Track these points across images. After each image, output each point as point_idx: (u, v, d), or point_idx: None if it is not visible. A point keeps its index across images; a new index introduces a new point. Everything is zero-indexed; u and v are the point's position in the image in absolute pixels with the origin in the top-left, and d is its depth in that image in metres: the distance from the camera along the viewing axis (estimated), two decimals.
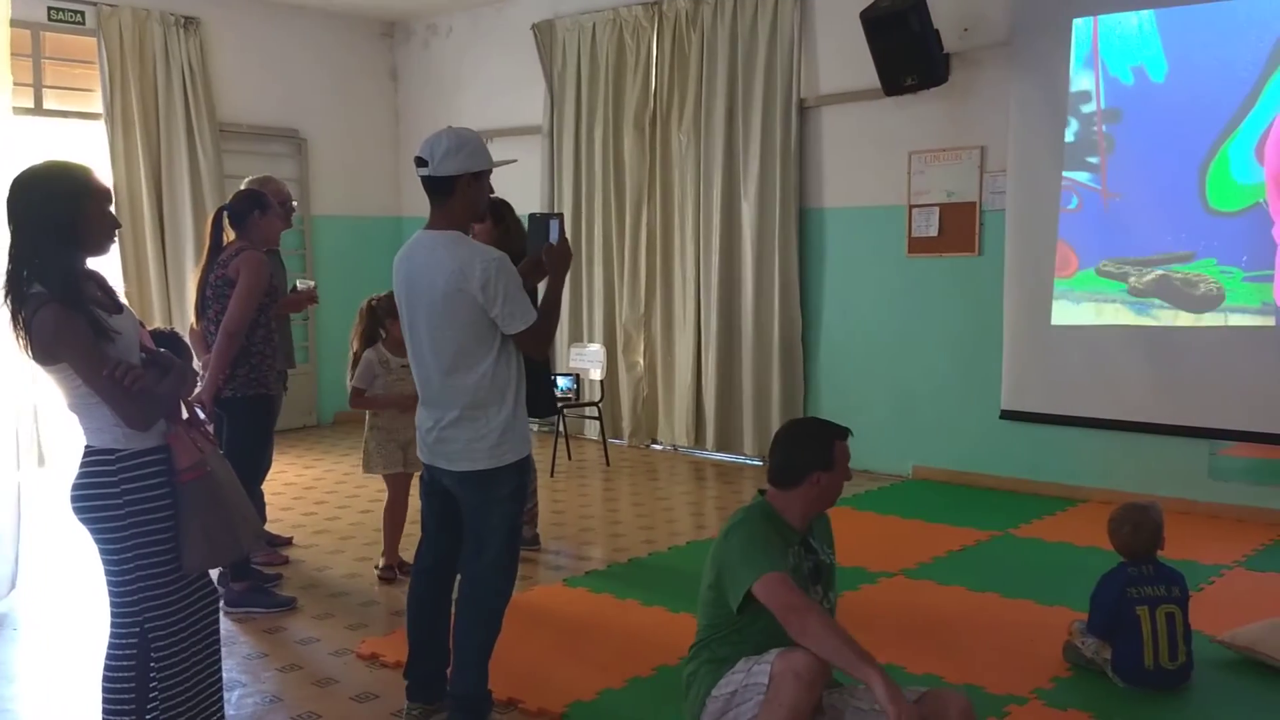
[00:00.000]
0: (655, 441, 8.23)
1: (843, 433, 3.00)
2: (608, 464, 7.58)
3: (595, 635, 4.29)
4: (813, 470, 2.92)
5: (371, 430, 5.06)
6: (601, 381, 7.88)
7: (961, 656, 3.98)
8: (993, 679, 3.76)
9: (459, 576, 3.44)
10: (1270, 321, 5.73)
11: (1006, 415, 6.62)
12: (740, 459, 7.67)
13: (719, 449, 7.78)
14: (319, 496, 6.77)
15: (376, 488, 6.91)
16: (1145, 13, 6.04)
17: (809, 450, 2.95)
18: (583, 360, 7.83)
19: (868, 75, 6.70)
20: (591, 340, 8.26)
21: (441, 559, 3.51)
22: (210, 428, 4.48)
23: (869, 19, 6.41)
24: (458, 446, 3.26)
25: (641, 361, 8.19)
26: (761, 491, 3.06)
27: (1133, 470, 6.15)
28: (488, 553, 3.31)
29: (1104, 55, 6.22)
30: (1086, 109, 6.29)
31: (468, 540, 3.36)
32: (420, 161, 3.24)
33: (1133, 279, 6.17)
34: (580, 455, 7.92)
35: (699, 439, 7.89)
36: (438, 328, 3.22)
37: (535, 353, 3.28)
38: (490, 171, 3.30)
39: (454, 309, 3.17)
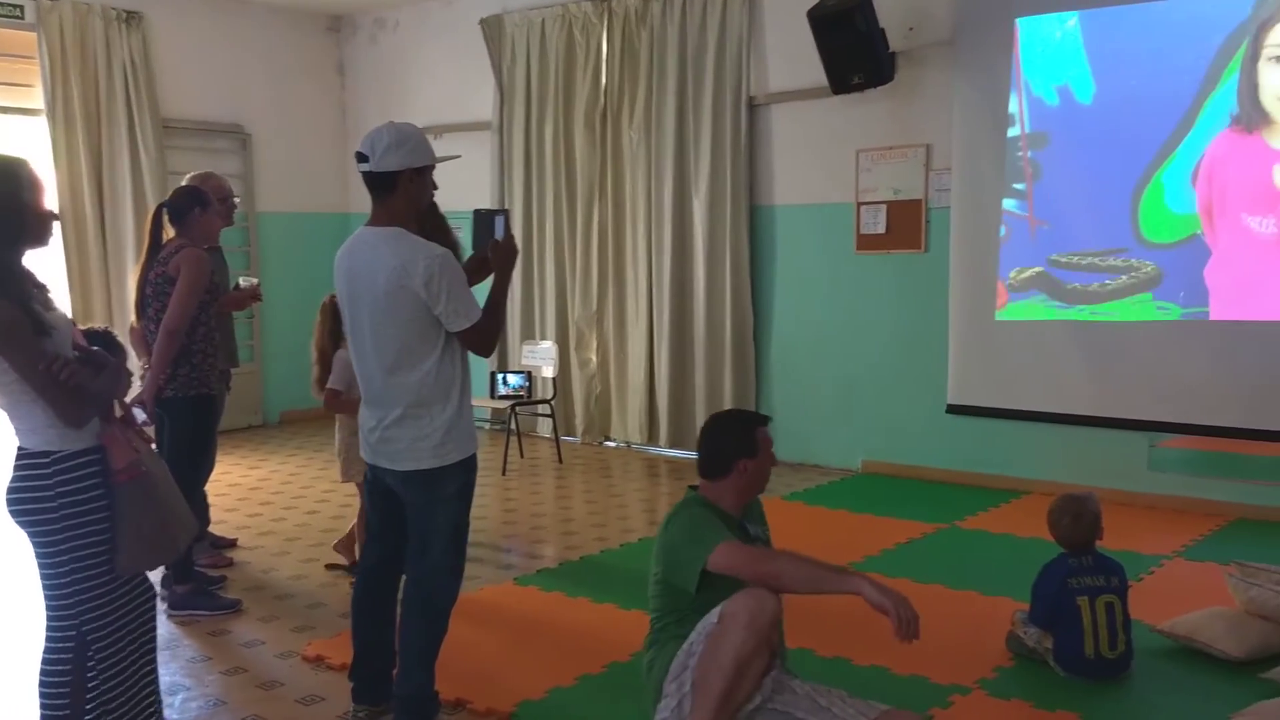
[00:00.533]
0: (608, 438, 8.23)
1: (763, 420, 3.16)
2: (560, 461, 7.57)
3: (546, 633, 4.28)
4: (739, 458, 3.06)
5: (349, 436, 4.97)
6: (554, 379, 7.86)
7: (907, 648, 3.97)
8: (938, 669, 3.80)
9: (404, 577, 3.41)
10: (1206, 315, 5.85)
11: (953, 409, 6.70)
12: (694, 455, 7.65)
13: (672, 445, 7.80)
14: (264, 497, 6.68)
15: (323, 489, 6.87)
16: (1071, 27, 6.12)
17: (733, 440, 3.09)
18: (535, 358, 7.81)
19: (816, 74, 6.75)
20: (544, 338, 8.23)
21: (386, 559, 3.48)
22: (151, 428, 4.44)
23: (816, 18, 6.45)
24: (401, 446, 3.23)
25: (594, 359, 8.18)
26: (693, 487, 3.14)
27: (1075, 462, 6.25)
28: (433, 552, 3.29)
29: (1027, 75, 6.28)
30: (1011, 133, 6.36)
31: (412, 540, 3.33)
32: (361, 157, 3.20)
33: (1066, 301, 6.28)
34: (533, 453, 7.90)
35: (652, 435, 7.90)
36: (380, 325, 3.19)
37: (481, 350, 3.26)
38: (433, 167, 3.27)
39: (397, 306, 3.14)
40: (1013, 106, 6.34)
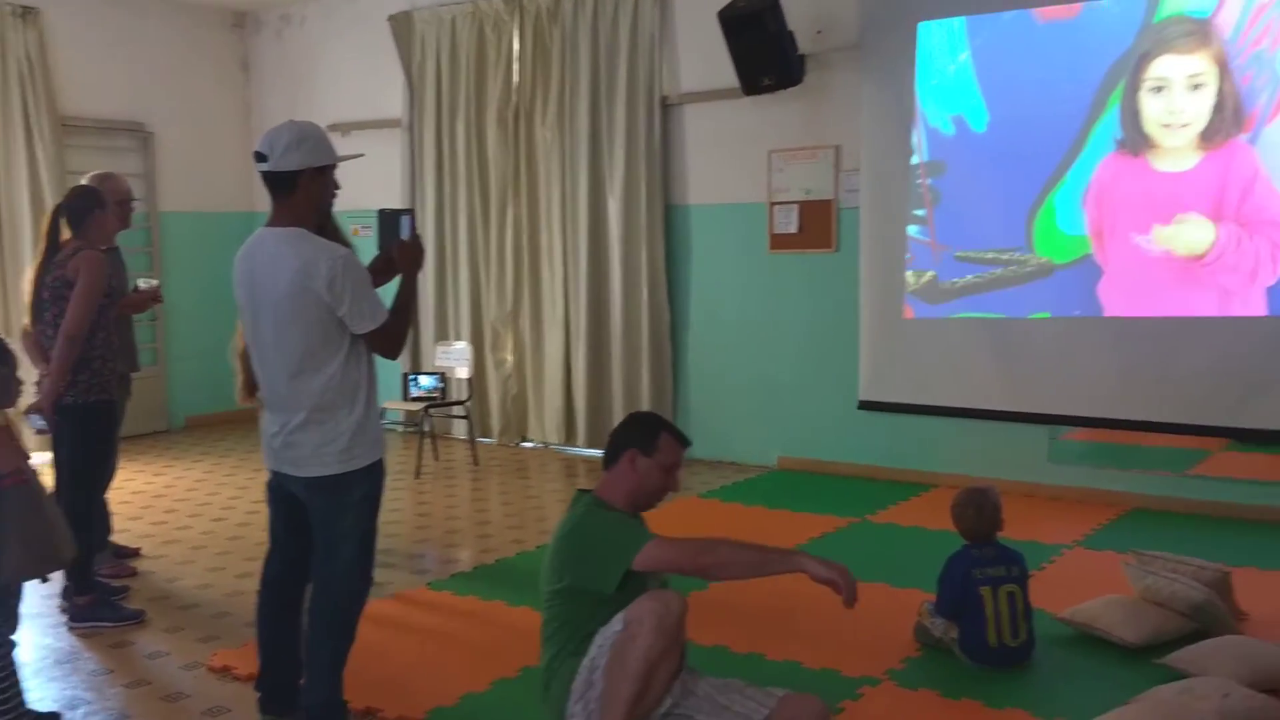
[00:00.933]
0: (526, 439, 8.19)
1: (675, 431, 3.03)
2: (476, 464, 7.50)
3: (459, 639, 4.24)
4: (629, 448, 2.96)
5: None
6: (469, 380, 7.79)
7: (819, 642, 4.08)
8: (848, 662, 3.86)
9: (310, 585, 3.35)
10: (1119, 312, 6.02)
11: (864, 405, 6.81)
12: None
13: (590, 445, 7.78)
14: (169, 505, 6.51)
15: (229, 495, 6.71)
16: (964, 60, 6.27)
17: (633, 432, 3.02)
18: (449, 359, 7.72)
19: (727, 74, 6.80)
20: (458, 338, 8.16)
21: (291, 566, 3.41)
22: (50, 435, 4.30)
23: (726, 19, 6.50)
24: (305, 451, 3.17)
25: (510, 359, 8.13)
26: (582, 491, 3.06)
27: (981, 456, 6.40)
28: (339, 559, 3.23)
29: (924, 107, 6.43)
30: (912, 161, 6.50)
31: (318, 547, 3.27)
32: (260, 156, 3.13)
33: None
34: (448, 456, 7.82)
35: (570, 435, 7.88)
36: (282, 328, 3.12)
37: (387, 353, 3.21)
38: (335, 166, 3.21)
39: (299, 309, 3.07)
40: (912, 137, 6.48)
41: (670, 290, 7.47)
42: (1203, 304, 5.75)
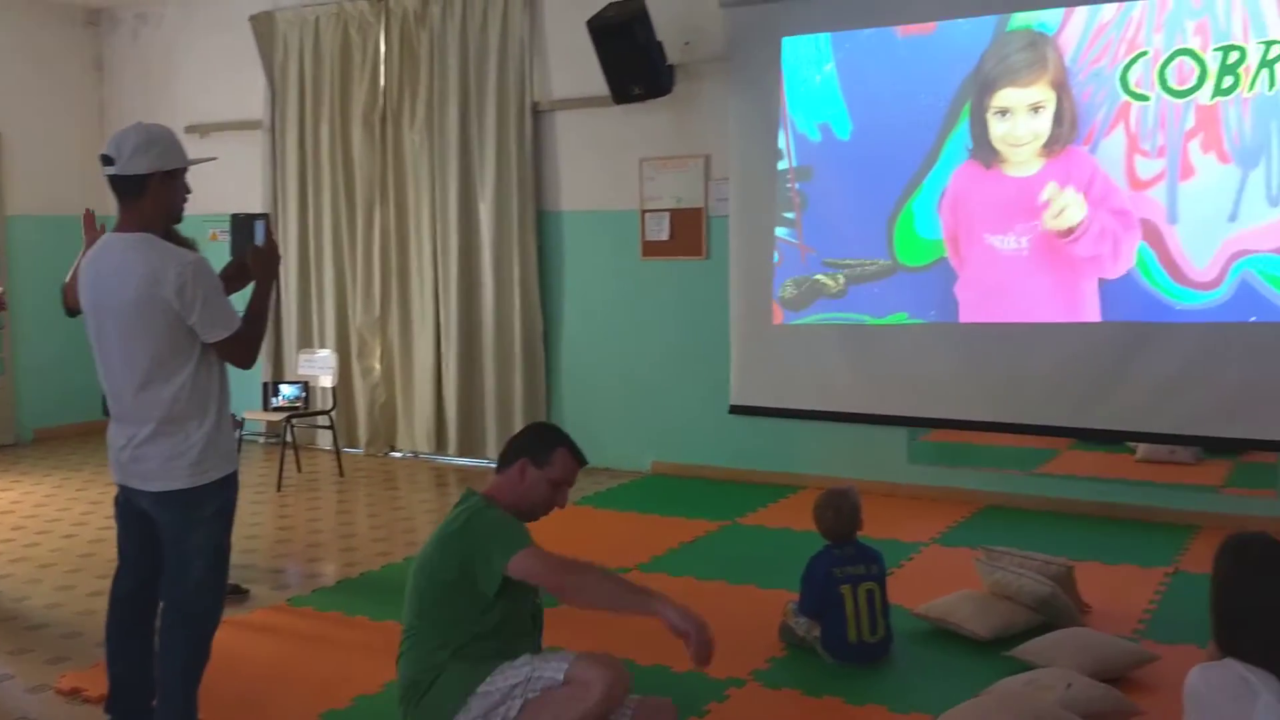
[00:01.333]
0: (394, 449, 8.05)
1: (574, 449, 3.00)
2: (342, 475, 7.33)
3: (320, 655, 4.14)
4: (523, 456, 2.95)
5: None
6: (333, 389, 7.62)
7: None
8: (715, 664, 3.80)
9: (161, 603, 3.23)
10: (955, 319, 6.27)
11: (735, 410, 6.92)
12: (484, 463, 7.62)
13: (462, 454, 7.70)
14: (16, 521, 6.18)
15: (80, 510, 6.41)
16: (829, 71, 6.46)
17: (530, 441, 3.00)
18: (312, 367, 7.52)
19: (598, 82, 6.83)
20: (322, 346, 7.97)
21: (142, 584, 3.28)
22: None
23: (595, 28, 6.54)
24: (154, 465, 3.05)
25: (378, 366, 7.99)
26: (471, 490, 3.02)
27: (845, 457, 6.57)
28: (191, 576, 3.13)
29: (792, 114, 6.60)
30: (781, 165, 6.66)
31: (169, 564, 3.16)
32: (107, 159, 3.02)
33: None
34: (311, 467, 7.62)
35: (441, 444, 7.79)
36: (129, 337, 3.00)
37: (240, 362, 3.12)
38: (185, 170, 3.11)
39: (147, 317, 2.97)
40: (780, 142, 6.62)
41: (543, 297, 7.46)
42: (1051, 306, 6.02)
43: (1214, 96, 5.53)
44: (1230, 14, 5.48)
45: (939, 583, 4.56)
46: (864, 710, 3.58)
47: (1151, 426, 5.92)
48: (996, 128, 6.08)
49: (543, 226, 7.45)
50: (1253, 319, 5.54)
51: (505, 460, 2.98)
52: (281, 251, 7.86)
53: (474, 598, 2.82)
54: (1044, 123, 5.96)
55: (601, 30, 6.52)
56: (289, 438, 7.27)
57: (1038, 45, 5.95)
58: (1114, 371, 5.84)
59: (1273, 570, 2.35)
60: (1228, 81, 5.50)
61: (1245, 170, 5.51)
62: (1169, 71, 5.62)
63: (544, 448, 2.96)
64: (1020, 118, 6.01)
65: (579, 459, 3.02)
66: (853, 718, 3.54)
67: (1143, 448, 6.85)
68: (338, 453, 7.52)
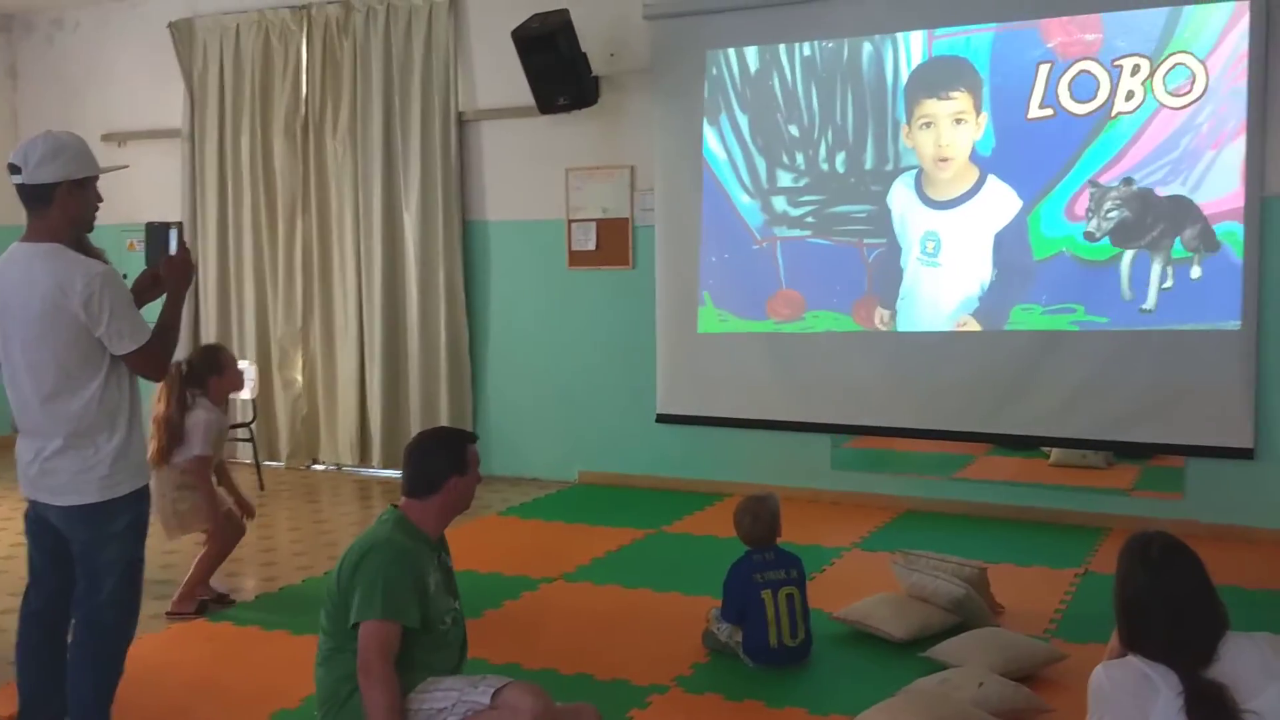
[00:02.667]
0: (317, 462, 7.94)
1: (471, 437, 3.10)
2: (262, 488, 7.20)
3: (239, 671, 4.08)
4: (449, 476, 2.96)
5: (181, 490, 4.67)
6: (253, 401, 7.50)
7: (611, 653, 4.15)
8: (638, 671, 3.94)
9: (73, 619, 3.17)
10: (891, 327, 6.38)
11: (661, 419, 6.97)
12: None
13: (387, 465, 7.63)
14: None
15: None
16: (755, 84, 6.57)
17: (443, 457, 3.00)
18: None
19: (524, 92, 6.84)
20: (241, 357, 7.82)
21: (53, 600, 3.22)
22: None
23: (520, 38, 6.55)
24: (63, 478, 3.00)
25: (300, 378, 7.88)
26: (396, 505, 3.03)
27: (769, 464, 6.64)
28: (102, 591, 3.07)
29: (717, 127, 6.69)
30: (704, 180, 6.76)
31: (80, 579, 3.10)
32: (14, 168, 2.97)
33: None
34: None
35: (365, 457, 7.71)
36: (35, 349, 2.95)
37: (150, 374, 3.08)
38: (95, 179, 3.06)
39: (53, 328, 2.92)
40: (703, 158, 6.70)
41: (469, 307, 7.43)
42: (967, 313, 6.18)
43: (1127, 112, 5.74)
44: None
45: (859, 586, 4.64)
46: (784, 713, 3.63)
47: (1063, 431, 6.10)
48: (923, 138, 6.21)
49: (468, 236, 7.43)
50: (1159, 326, 5.74)
51: (430, 486, 2.96)
52: (200, 262, 7.99)
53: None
54: (967, 135, 6.10)
55: (526, 41, 6.54)
56: None
57: (959, 62, 6.09)
58: (1027, 378, 6.01)
59: (1170, 567, 2.42)
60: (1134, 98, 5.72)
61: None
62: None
63: (459, 455, 3.01)
64: (944, 128, 6.14)
65: (474, 439, 3.10)
66: None
67: (1056, 452, 7.05)
68: (258, 466, 7.40)
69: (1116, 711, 2.38)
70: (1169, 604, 2.37)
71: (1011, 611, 4.49)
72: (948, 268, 6.21)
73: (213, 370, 4.71)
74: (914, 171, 6.26)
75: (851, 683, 3.85)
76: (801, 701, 3.70)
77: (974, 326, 6.16)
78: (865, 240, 6.40)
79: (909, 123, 6.24)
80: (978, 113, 6.07)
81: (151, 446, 4.53)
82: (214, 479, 4.79)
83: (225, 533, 4.81)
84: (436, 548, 3.02)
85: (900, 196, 6.30)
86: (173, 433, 4.58)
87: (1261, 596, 4.70)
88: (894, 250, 6.33)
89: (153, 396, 4.60)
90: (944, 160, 6.18)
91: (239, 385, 4.97)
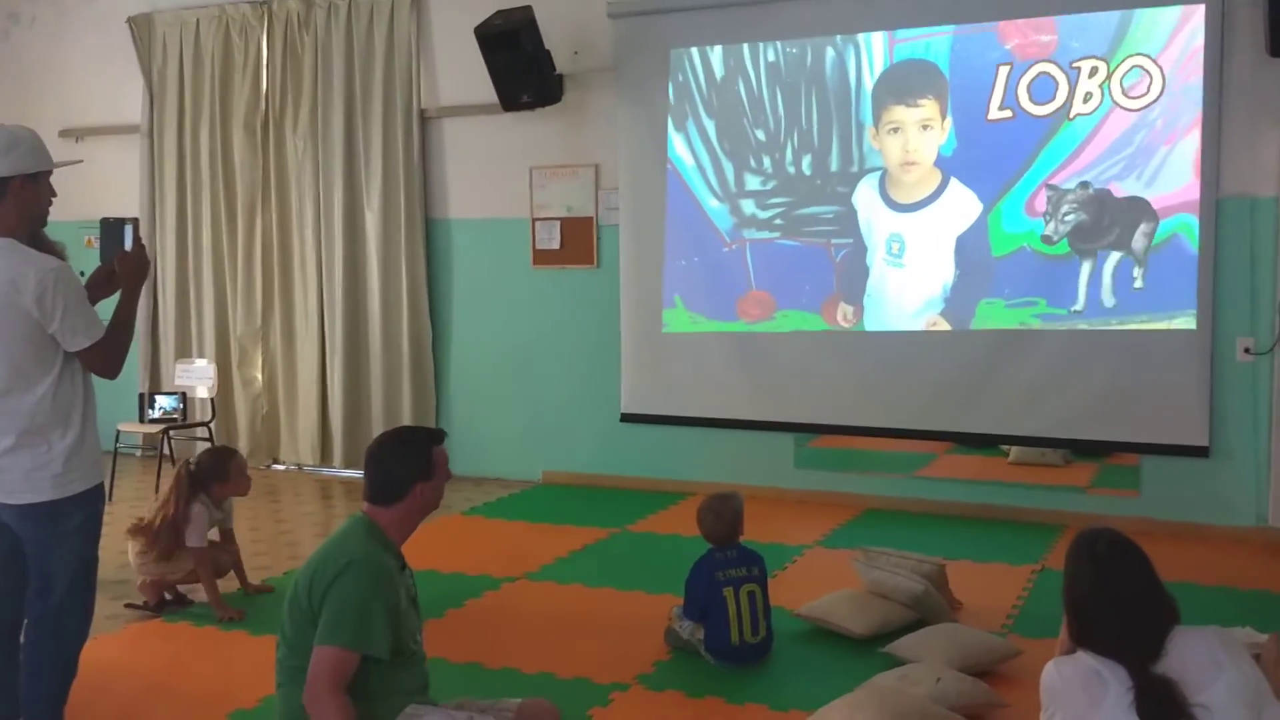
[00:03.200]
0: (277, 461, 7.87)
1: (438, 436, 2.93)
2: None
3: (197, 671, 4.03)
4: (415, 481, 2.81)
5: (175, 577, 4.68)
6: (212, 399, 7.42)
7: (574, 652, 4.14)
8: (600, 670, 3.94)
9: (26, 619, 3.12)
10: (846, 327, 6.44)
11: (626, 418, 6.97)
12: None
13: (348, 465, 7.57)
14: None
15: None
16: (719, 84, 6.58)
17: (408, 462, 2.83)
18: (189, 377, 7.31)
19: (487, 90, 6.81)
20: (200, 355, 7.76)
21: (4, 598, 3.16)
22: None
23: (483, 35, 6.53)
24: (16, 477, 2.96)
25: (260, 377, 7.81)
26: (362, 512, 2.89)
27: (733, 463, 6.66)
28: (56, 591, 3.03)
29: (681, 126, 6.71)
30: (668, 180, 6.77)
31: (34, 579, 3.06)
32: None
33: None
34: None
35: (326, 456, 7.65)
36: None
37: (104, 371, 3.04)
38: (50, 173, 3.02)
39: (6, 324, 2.88)
40: (668, 157, 6.70)
41: (432, 305, 7.40)
42: (928, 314, 6.23)
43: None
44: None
45: (821, 584, 4.66)
46: (744, 709, 3.64)
47: (1022, 430, 6.18)
48: (890, 143, 6.26)
49: (431, 234, 7.40)
50: (1115, 326, 5.82)
51: (395, 493, 2.80)
52: (159, 259, 7.89)
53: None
54: (932, 140, 6.16)
55: (489, 38, 6.52)
56: (167, 450, 7.05)
57: (926, 65, 6.14)
58: (988, 377, 6.07)
59: (1116, 563, 2.44)
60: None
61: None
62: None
63: (424, 459, 2.84)
64: (911, 133, 6.19)
65: (442, 438, 2.94)
66: (733, 717, 3.61)
67: (1015, 451, 7.14)
68: None
69: (1068, 707, 2.40)
70: (1116, 600, 2.39)
71: (969, 607, 4.53)
72: (912, 268, 6.26)
73: (219, 477, 4.66)
74: (878, 173, 6.31)
75: (811, 679, 3.87)
76: (762, 698, 3.71)
77: (940, 324, 6.21)
78: (833, 240, 6.44)
79: (876, 126, 6.29)
80: (943, 118, 6.14)
81: (139, 546, 4.53)
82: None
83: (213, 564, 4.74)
84: (401, 558, 2.86)
85: (865, 198, 6.35)
86: (176, 536, 4.52)
87: (1216, 593, 4.77)
88: (860, 250, 6.37)
89: (155, 500, 4.64)
90: (910, 164, 6.23)
91: (244, 491, 4.83)
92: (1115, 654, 2.36)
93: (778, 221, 6.57)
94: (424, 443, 2.89)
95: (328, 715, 2.58)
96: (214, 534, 4.77)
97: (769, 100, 6.52)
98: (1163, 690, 2.29)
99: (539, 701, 2.97)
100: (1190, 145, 5.61)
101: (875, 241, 6.34)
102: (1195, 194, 5.61)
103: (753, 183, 6.62)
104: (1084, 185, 5.83)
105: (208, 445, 7.42)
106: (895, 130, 6.24)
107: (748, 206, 6.64)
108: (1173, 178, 5.66)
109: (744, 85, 6.59)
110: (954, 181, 6.13)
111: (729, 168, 6.66)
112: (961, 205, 6.11)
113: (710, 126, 6.68)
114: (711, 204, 6.72)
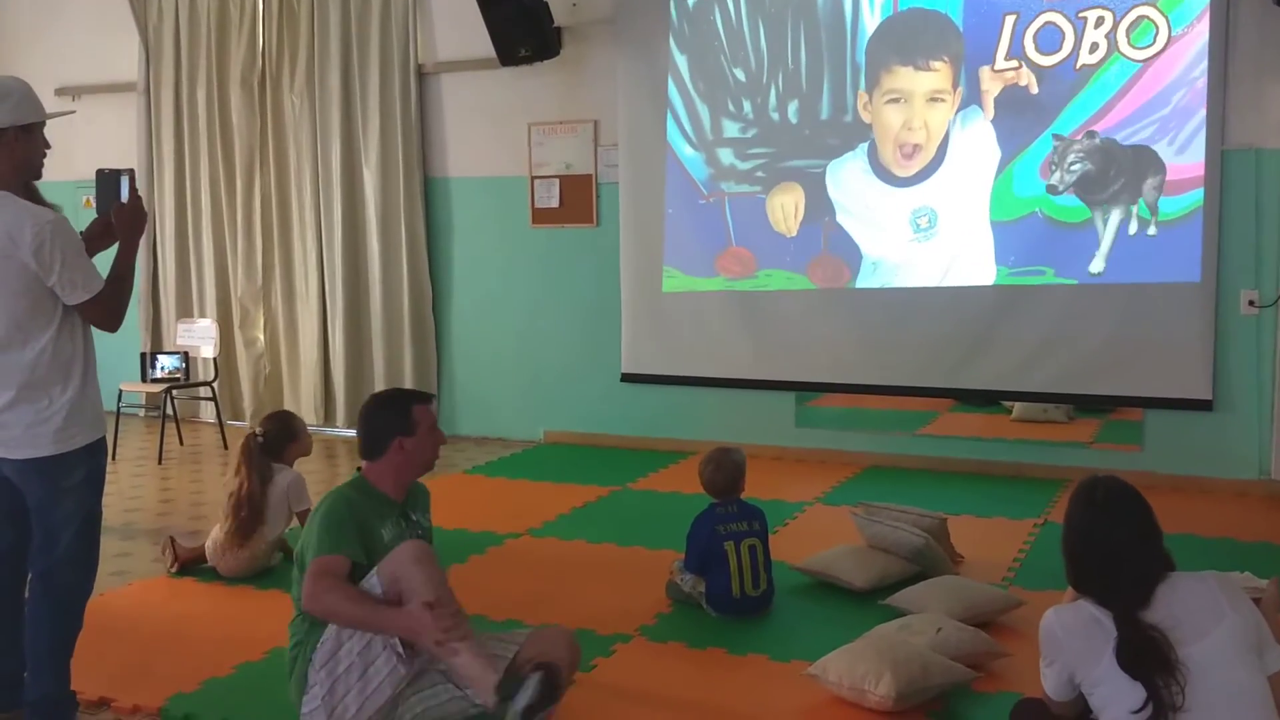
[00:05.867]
0: None
1: (422, 397, 3.12)
2: (226, 447, 7.13)
3: (202, 625, 4.05)
4: (394, 436, 2.99)
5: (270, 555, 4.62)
6: (215, 359, 7.41)
7: (577, 605, 4.16)
8: (603, 621, 3.95)
9: (30, 574, 3.13)
10: (854, 285, 6.37)
11: (626, 378, 6.96)
12: None
13: (351, 425, 7.56)
14: None
15: None
16: (722, 35, 6.45)
17: (387, 418, 3.03)
18: (192, 337, 7.32)
19: (484, 44, 6.74)
20: (202, 315, 7.75)
21: (9, 554, 3.16)
22: None
23: None
24: (16, 432, 2.94)
25: (262, 337, 7.80)
26: (360, 468, 3.09)
27: (734, 422, 6.65)
28: (59, 545, 3.03)
29: (681, 82, 6.59)
30: (668, 136, 6.65)
31: (36, 533, 3.06)
32: None
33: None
34: (194, 440, 7.43)
35: (329, 416, 7.66)
36: None
37: (105, 324, 3.02)
38: (43, 125, 2.99)
39: (2, 278, 2.85)
40: (667, 113, 6.60)
41: (431, 264, 7.37)
42: (930, 270, 6.18)
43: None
44: None
45: (821, 539, 4.67)
46: (746, 659, 3.67)
47: (1025, 386, 6.16)
48: (889, 116, 6.10)
49: (430, 192, 7.36)
50: (1119, 281, 5.78)
51: (377, 448, 3.01)
52: (158, 218, 7.86)
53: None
54: (941, 116, 5.99)
55: None
56: (169, 409, 7.06)
57: (936, 18, 5.96)
58: (990, 334, 6.05)
59: (1111, 510, 2.45)
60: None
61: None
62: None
63: (403, 416, 3.02)
64: (917, 107, 6.02)
65: (428, 399, 3.13)
66: (735, 667, 3.63)
67: (1018, 407, 7.13)
68: (221, 425, 7.34)
69: (1068, 655, 2.42)
70: (1104, 546, 2.40)
71: (971, 561, 4.55)
72: (911, 234, 6.18)
73: (290, 438, 4.66)
74: (866, 146, 6.16)
75: (812, 630, 3.89)
76: (763, 648, 3.73)
77: (943, 281, 6.15)
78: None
79: (869, 92, 6.10)
80: (955, 87, 5.94)
81: (227, 527, 4.43)
82: None
83: None
84: (400, 506, 3.05)
85: (854, 172, 6.21)
86: (255, 509, 4.44)
87: (1218, 544, 4.78)
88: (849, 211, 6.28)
89: (226, 474, 4.57)
90: (912, 146, 6.01)
91: (310, 449, 4.84)
92: (1102, 600, 2.37)
93: (759, 174, 6.44)
94: (405, 402, 3.09)
95: (328, 599, 2.78)
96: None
97: (750, 34, 6.32)
98: (1145, 641, 2.29)
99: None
100: (1198, 102, 5.53)
101: (869, 212, 6.23)
102: (1201, 152, 5.54)
103: (731, 129, 6.47)
104: (1090, 135, 5.76)
105: (210, 403, 7.48)
106: (896, 100, 6.07)
107: (725, 156, 6.49)
108: (1180, 134, 5.59)
109: (720, 14, 6.38)
110: (956, 144, 5.99)
111: (704, 111, 6.49)
112: (966, 173, 5.99)
113: (683, 63, 6.52)
114: (687, 152, 6.60)
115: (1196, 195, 5.58)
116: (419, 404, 3.07)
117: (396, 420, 3.01)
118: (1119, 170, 5.74)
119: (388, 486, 3.02)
